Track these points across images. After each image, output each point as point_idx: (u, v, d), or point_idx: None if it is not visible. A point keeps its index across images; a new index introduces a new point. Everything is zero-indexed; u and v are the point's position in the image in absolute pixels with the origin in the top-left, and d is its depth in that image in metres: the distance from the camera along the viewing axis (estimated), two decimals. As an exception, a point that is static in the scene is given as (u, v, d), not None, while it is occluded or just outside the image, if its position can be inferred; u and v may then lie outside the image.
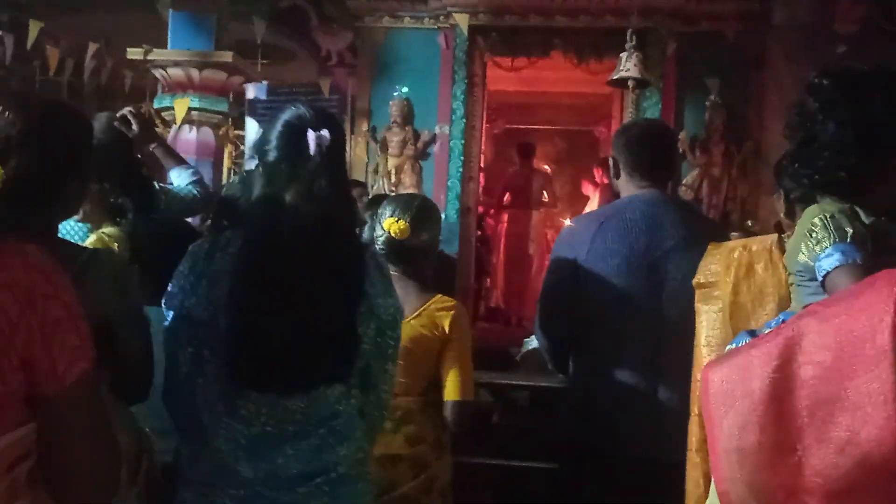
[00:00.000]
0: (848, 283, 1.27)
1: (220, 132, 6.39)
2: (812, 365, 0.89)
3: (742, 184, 6.68)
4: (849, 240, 1.35)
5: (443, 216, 6.92)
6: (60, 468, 1.19)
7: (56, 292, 1.16)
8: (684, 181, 6.71)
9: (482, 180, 8.10)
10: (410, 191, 6.98)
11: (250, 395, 1.56)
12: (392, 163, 7.01)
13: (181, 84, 6.01)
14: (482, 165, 8.07)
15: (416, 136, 6.94)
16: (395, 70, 6.99)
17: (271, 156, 1.62)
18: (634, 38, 4.63)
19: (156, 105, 6.29)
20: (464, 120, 6.85)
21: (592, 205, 7.91)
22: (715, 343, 1.86)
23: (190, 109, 5.93)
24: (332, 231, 1.62)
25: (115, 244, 2.23)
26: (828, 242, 1.36)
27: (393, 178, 7.00)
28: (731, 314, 1.85)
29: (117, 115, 2.85)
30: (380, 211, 2.26)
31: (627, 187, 2.30)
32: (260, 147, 1.65)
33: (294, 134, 1.61)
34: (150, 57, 5.91)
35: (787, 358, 0.91)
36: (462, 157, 6.88)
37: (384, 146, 6.98)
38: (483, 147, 8.04)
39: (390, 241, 2.22)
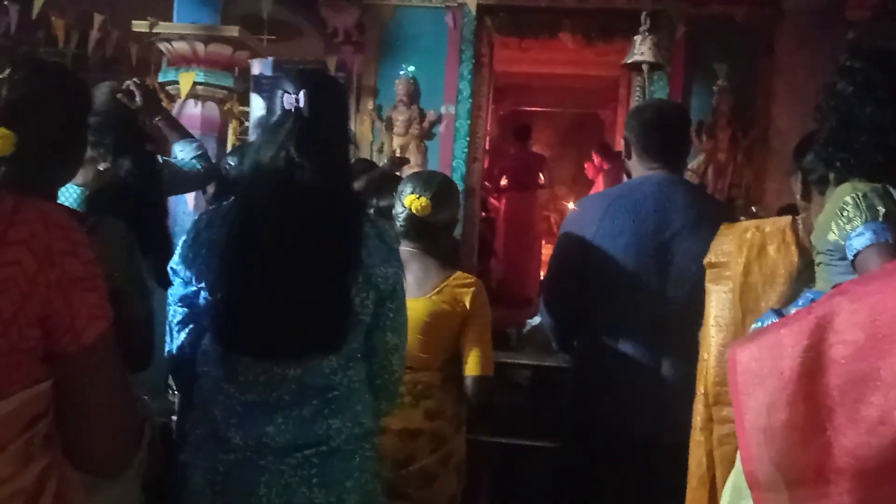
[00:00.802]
0: (880, 262, 1.26)
1: (225, 107, 6.35)
2: (844, 344, 0.88)
3: (747, 170, 6.65)
4: (881, 219, 1.34)
5: (447, 197, 6.95)
6: (80, 428, 1.18)
7: (75, 250, 1.15)
8: (690, 166, 6.67)
9: (486, 162, 8.09)
10: (416, 170, 6.97)
11: (247, 361, 1.57)
12: (397, 142, 6.97)
13: (186, 58, 5.96)
14: (487, 147, 8.06)
15: (422, 115, 6.90)
16: (401, 49, 6.93)
17: (267, 124, 1.63)
18: (648, 20, 4.59)
19: (160, 79, 6.25)
20: (470, 100, 6.81)
21: (597, 189, 7.90)
22: (724, 323, 1.86)
23: (195, 84, 5.89)
24: (318, 197, 1.59)
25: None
26: (859, 221, 1.34)
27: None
28: (742, 295, 1.85)
29: (122, 86, 2.83)
30: (400, 188, 2.27)
31: (638, 168, 2.29)
32: (261, 117, 1.65)
33: (280, 101, 1.60)
34: (155, 30, 5.86)
35: (818, 337, 0.90)
36: (467, 138, 6.84)
37: (389, 125, 6.95)
38: (489, 128, 8.02)
39: (411, 218, 2.24)
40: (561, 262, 2.30)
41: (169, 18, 5.96)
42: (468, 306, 2.22)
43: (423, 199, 2.20)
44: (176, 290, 1.66)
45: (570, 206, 10.16)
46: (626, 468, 2.10)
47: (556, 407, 2.46)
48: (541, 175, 8.25)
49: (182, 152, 2.91)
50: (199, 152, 2.94)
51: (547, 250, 9.54)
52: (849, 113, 1.52)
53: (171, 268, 1.65)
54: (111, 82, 2.85)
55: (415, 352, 2.10)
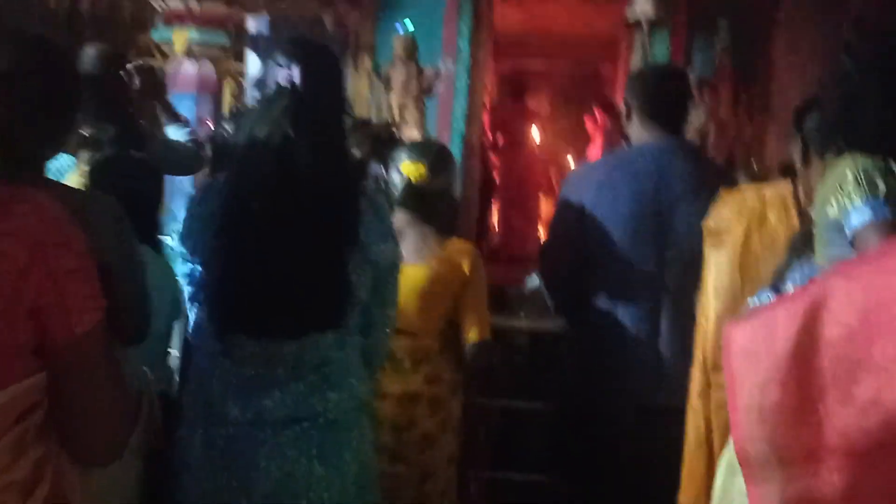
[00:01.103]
0: (879, 240, 1.25)
1: (221, 66, 6.28)
2: (838, 325, 0.88)
3: (749, 127, 6.60)
4: (881, 196, 1.33)
5: (446, 155, 6.91)
6: (74, 418, 1.19)
7: (67, 241, 1.15)
8: (692, 123, 6.63)
9: (487, 120, 8.03)
10: (414, 130, 6.92)
11: (242, 337, 1.58)
12: (395, 100, 6.90)
13: (180, 15, 5.88)
14: (487, 105, 7.98)
15: (421, 73, 6.82)
16: (399, 4, 6.82)
17: (260, 101, 1.61)
18: (648, -25, 4.50)
19: (154, 37, 6.17)
20: (469, 57, 6.73)
21: (595, 146, 7.86)
22: (722, 289, 1.87)
23: (189, 42, 5.81)
24: (314, 174, 1.58)
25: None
26: (859, 198, 1.33)
27: (396, 116, 6.91)
28: (741, 262, 1.86)
29: (117, 58, 2.80)
30: (395, 156, 2.27)
31: (639, 132, 2.28)
32: (259, 86, 1.63)
33: (274, 76, 1.58)
34: (148, -13, 5.77)
35: (812, 317, 0.90)
36: (467, 96, 6.77)
37: (387, 83, 6.87)
38: (489, 87, 7.93)
39: (408, 186, 2.24)
40: (560, 228, 2.30)
41: (163, -26, 5.85)
42: (466, 272, 2.25)
43: (420, 167, 2.21)
44: (182, 267, 1.67)
45: (569, 159, 10.11)
46: (624, 431, 2.14)
47: (555, 370, 2.48)
48: (537, 132, 8.21)
49: (174, 136, 2.88)
50: (192, 138, 2.91)
51: (545, 205, 9.54)
52: (853, 88, 1.50)
53: (175, 245, 1.66)
54: (100, 45, 2.81)
55: (414, 318, 2.13)
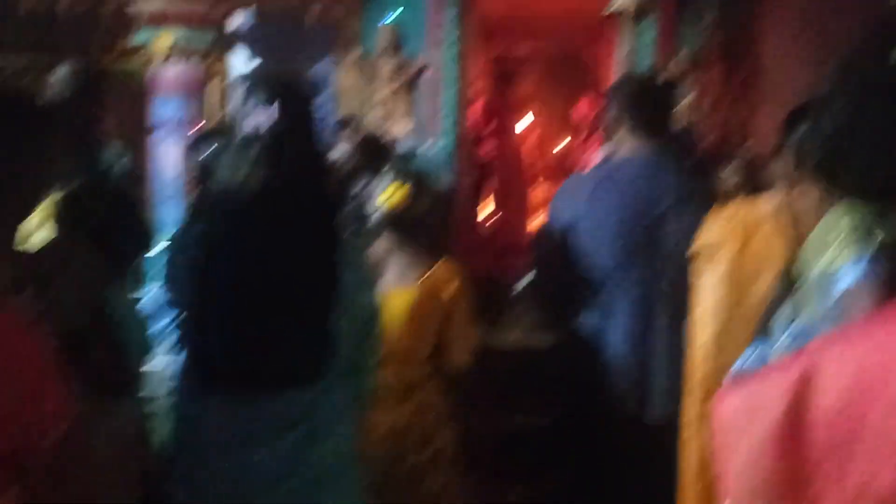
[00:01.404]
0: (870, 302, 1.21)
1: (206, 65, 6.20)
2: (829, 401, 0.84)
3: (741, 104, 6.57)
4: (875, 252, 1.25)
5: (437, 147, 6.84)
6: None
7: (30, 358, 1.10)
8: (682, 102, 6.59)
9: (480, 107, 7.97)
10: (403, 121, 6.86)
11: (227, 393, 1.53)
12: (383, 92, 6.84)
13: (161, 16, 5.79)
14: (476, 94, 7.92)
15: (408, 64, 6.76)
16: (384, -5, 6.76)
17: (237, 142, 1.54)
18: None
19: (137, 40, 6.08)
20: (455, 47, 6.66)
21: (579, 134, 7.83)
22: (716, 309, 1.84)
23: (172, 44, 5.72)
24: (291, 223, 1.52)
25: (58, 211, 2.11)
26: (852, 253, 1.27)
27: (384, 109, 6.85)
28: (734, 279, 1.82)
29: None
30: (375, 181, 2.23)
31: (624, 144, 2.24)
32: (231, 124, 1.58)
33: (250, 115, 1.52)
34: (128, -11, 5.67)
35: (802, 393, 0.86)
36: (455, 86, 6.71)
37: (374, 75, 6.80)
38: (477, 74, 7.86)
39: (390, 211, 2.19)
40: (550, 245, 2.27)
41: (141, -25, 5.76)
42: (451, 294, 2.20)
43: (400, 193, 2.17)
44: (166, 315, 1.61)
45: (560, 144, 10.08)
46: (618, 443, 2.12)
47: (549, 384, 2.46)
48: (525, 120, 8.16)
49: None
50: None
51: (537, 192, 9.52)
52: (851, 119, 1.37)
53: (160, 290, 1.60)
54: (69, 65, 2.75)
55: (400, 343, 2.10)
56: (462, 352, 2.24)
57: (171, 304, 1.57)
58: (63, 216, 1.92)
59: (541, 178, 9.52)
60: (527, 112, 8.20)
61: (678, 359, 1.92)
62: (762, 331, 1.55)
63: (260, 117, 1.49)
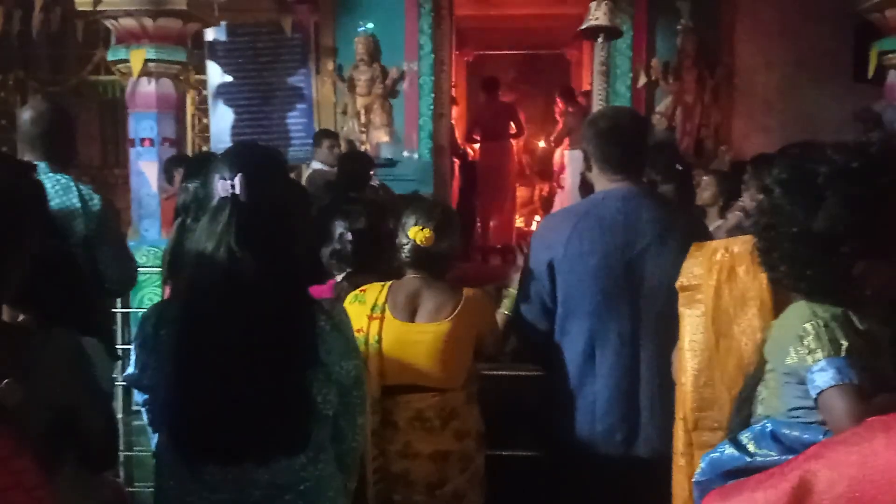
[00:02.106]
0: (844, 406, 1.24)
1: (181, 80, 6.16)
2: None
3: (715, 109, 6.62)
4: (843, 353, 1.29)
5: (416, 156, 6.86)
6: None
7: (17, 481, 1.12)
8: (657, 109, 6.63)
9: (455, 114, 7.97)
10: (381, 130, 6.85)
11: (212, 465, 1.53)
12: (361, 102, 6.83)
13: (134, 34, 5.72)
14: (454, 97, 7.91)
15: (384, 73, 6.75)
16: (359, 5, 6.73)
17: (207, 211, 1.54)
18: (604, -20, 4.45)
19: (110, 57, 6.02)
20: (432, 55, 6.67)
21: (559, 131, 7.83)
22: (699, 348, 1.85)
23: (146, 61, 5.68)
24: (265, 294, 1.51)
25: None
26: (821, 354, 1.30)
27: (363, 118, 6.84)
28: (714, 318, 1.83)
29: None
30: (403, 220, 2.31)
31: (600, 181, 2.25)
32: (201, 202, 1.57)
33: (217, 186, 1.52)
34: (99, 7, 5.62)
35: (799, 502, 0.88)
36: (432, 94, 6.72)
37: (351, 85, 6.79)
38: (454, 78, 7.86)
39: (416, 249, 2.27)
40: (530, 285, 2.28)
41: (114, -8, 5.71)
42: (482, 320, 2.32)
43: (427, 231, 2.26)
44: (140, 397, 1.60)
45: (541, 144, 10.09)
46: (603, 482, 2.13)
47: (532, 417, 2.49)
48: (511, 124, 8.17)
49: None
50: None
51: (520, 193, 9.56)
52: (782, 222, 1.42)
53: (129, 379, 1.60)
54: (39, 101, 2.75)
55: (439, 374, 2.21)
56: (494, 345, 2.40)
57: (146, 384, 1.55)
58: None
59: (524, 179, 9.57)
60: (510, 116, 8.18)
61: (666, 391, 1.95)
62: (742, 403, 1.57)
63: (227, 185, 1.50)
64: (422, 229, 2.27)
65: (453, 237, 2.37)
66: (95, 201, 2.76)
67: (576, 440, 2.21)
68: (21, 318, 1.78)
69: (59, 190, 2.67)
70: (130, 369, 1.58)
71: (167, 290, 3.90)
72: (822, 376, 1.29)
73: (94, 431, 1.45)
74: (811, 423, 1.35)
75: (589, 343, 2.18)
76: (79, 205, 2.68)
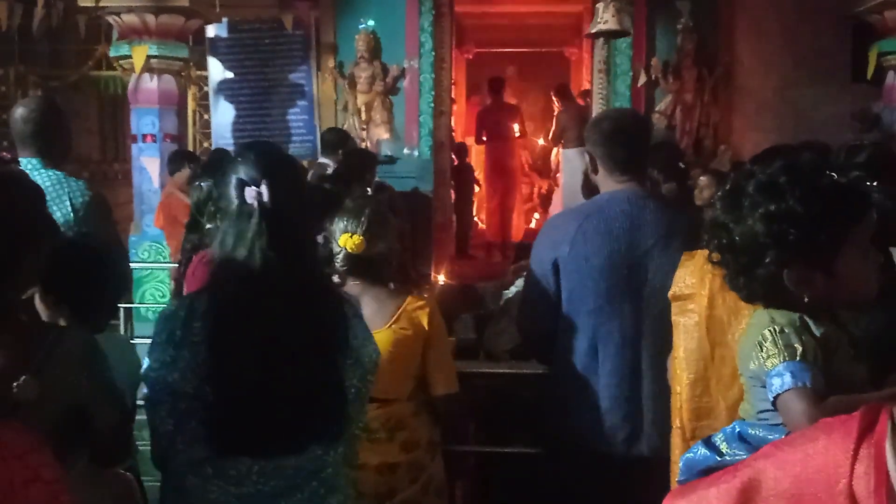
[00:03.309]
0: (798, 407, 1.29)
1: (182, 77, 6.19)
2: None
3: (714, 108, 6.65)
4: (798, 358, 1.33)
5: (416, 153, 6.88)
6: None
7: (36, 474, 1.15)
8: (657, 108, 6.66)
9: (464, 111, 8.00)
10: (382, 127, 6.87)
11: (244, 458, 1.56)
12: (361, 99, 6.85)
13: (136, 30, 5.75)
14: (453, 96, 7.94)
15: (385, 70, 6.77)
16: (359, 2, 6.75)
17: (228, 213, 1.57)
18: (611, -17, 4.46)
19: (112, 53, 6.05)
20: (433, 53, 6.68)
21: (555, 129, 7.87)
22: (693, 357, 1.85)
23: (148, 57, 5.70)
24: (297, 290, 1.56)
25: None
26: (777, 359, 1.34)
27: (363, 115, 6.86)
28: (708, 328, 1.83)
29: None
30: (331, 227, 2.23)
31: (605, 182, 2.27)
32: (216, 201, 1.60)
33: (240, 191, 1.55)
34: (101, 3, 5.64)
35: (746, 500, 0.92)
36: (432, 92, 6.74)
37: (352, 82, 6.80)
38: (454, 76, 7.88)
39: (349, 257, 2.19)
40: (535, 283, 2.30)
41: (116, -12, 5.73)
42: (426, 327, 2.22)
43: (356, 238, 2.17)
44: (156, 396, 1.60)
45: (540, 142, 10.12)
46: (604, 481, 2.16)
47: (532, 413, 2.51)
48: (515, 126, 8.24)
49: None
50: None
51: (522, 190, 9.60)
52: (719, 234, 1.44)
53: (145, 372, 1.61)
54: (39, 97, 2.77)
55: (384, 383, 2.07)
56: (445, 382, 2.27)
57: (173, 386, 1.55)
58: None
59: (524, 177, 9.60)
60: (514, 118, 8.23)
61: (668, 391, 1.96)
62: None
63: (253, 190, 1.53)
64: (351, 236, 2.19)
65: (387, 238, 2.28)
66: (84, 198, 2.73)
67: (577, 438, 2.24)
68: (47, 314, 1.83)
69: (49, 186, 2.67)
70: (146, 365, 1.60)
71: (173, 285, 3.92)
72: (778, 380, 1.34)
73: (106, 428, 1.48)
74: (776, 424, 1.39)
75: (592, 342, 2.21)
76: (67, 201, 2.68)
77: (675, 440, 1.88)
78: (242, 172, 1.56)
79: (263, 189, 1.53)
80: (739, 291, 1.49)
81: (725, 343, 1.80)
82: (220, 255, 1.56)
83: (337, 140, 5.44)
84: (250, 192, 1.53)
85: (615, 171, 2.24)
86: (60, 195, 2.69)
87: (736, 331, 1.79)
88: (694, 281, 1.86)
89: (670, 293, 1.90)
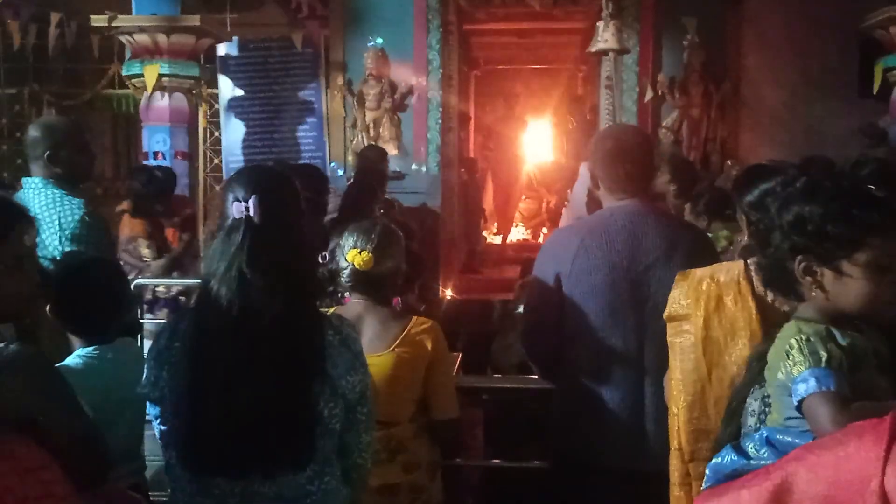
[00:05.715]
0: (824, 411, 1.31)
1: (193, 95, 6.25)
2: None
3: (721, 124, 6.66)
4: (823, 364, 1.36)
5: (424, 169, 6.93)
6: None
7: (49, 491, 1.17)
8: (664, 123, 6.68)
9: (475, 128, 8.08)
10: (390, 144, 6.91)
11: (219, 479, 1.57)
12: (370, 116, 6.90)
13: (149, 49, 5.84)
14: (470, 115, 8.02)
15: (393, 88, 6.82)
16: (368, 20, 6.81)
17: (222, 230, 1.58)
18: (611, 5, 4.50)
19: (125, 72, 6.14)
20: (440, 70, 6.74)
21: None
22: (689, 379, 1.86)
23: (160, 76, 5.78)
24: (272, 313, 1.54)
25: None
26: (803, 366, 1.37)
27: (371, 132, 6.91)
28: (704, 349, 1.84)
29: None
30: (341, 242, 2.23)
31: (608, 198, 2.29)
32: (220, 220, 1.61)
33: (230, 205, 1.57)
34: (114, 24, 5.73)
35: (779, 501, 0.94)
36: (440, 109, 6.80)
37: (361, 100, 6.86)
38: (464, 94, 7.95)
39: (356, 273, 2.19)
40: (538, 299, 2.32)
41: (128, 11, 5.82)
42: (430, 350, 2.21)
43: (365, 254, 2.16)
44: (153, 410, 1.64)
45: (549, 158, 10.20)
46: (608, 496, 2.16)
47: (536, 428, 2.52)
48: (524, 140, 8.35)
49: None
50: None
51: (527, 205, 9.65)
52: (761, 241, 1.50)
53: (140, 390, 1.64)
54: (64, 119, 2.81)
55: (385, 406, 2.08)
56: (447, 407, 2.27)
57: (157, 399, 1.58)
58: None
59: (532, 192, 9.65)
60: (518, 135, 8.32)
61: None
62: (731, 415, 1.61)
63: (240, 206, 1.54)
64: (360, 252, 2.18)
65: (396, 258, 2.27)
66: (74, 217, 2.70)
67: (581, 453, 2.25)
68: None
69: (42, 206, 2.68)
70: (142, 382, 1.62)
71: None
72: (804, 385, 1.37)
73: (68, 444, 1.44)
74: (805, 430, 1.41)
75: (595, 357, 2.22)
76: (56, 221, 2.69)
77: (674, 462, 1.87)
78: (236, 189, 1.58)
79: (251, 204, 1.54)
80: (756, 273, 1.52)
81: (722, 364, 1.81)
82: (205, 273, 1.57)
83: (378, 157, 5.37)
84: (238, 207, 1.55)
85: (616, 187, 2.26)
86: (52, 215, 2.69)
87: (733, 352, 1.79)
88: (689, 301, 1.86)
89: (665, 314, 1.91)
